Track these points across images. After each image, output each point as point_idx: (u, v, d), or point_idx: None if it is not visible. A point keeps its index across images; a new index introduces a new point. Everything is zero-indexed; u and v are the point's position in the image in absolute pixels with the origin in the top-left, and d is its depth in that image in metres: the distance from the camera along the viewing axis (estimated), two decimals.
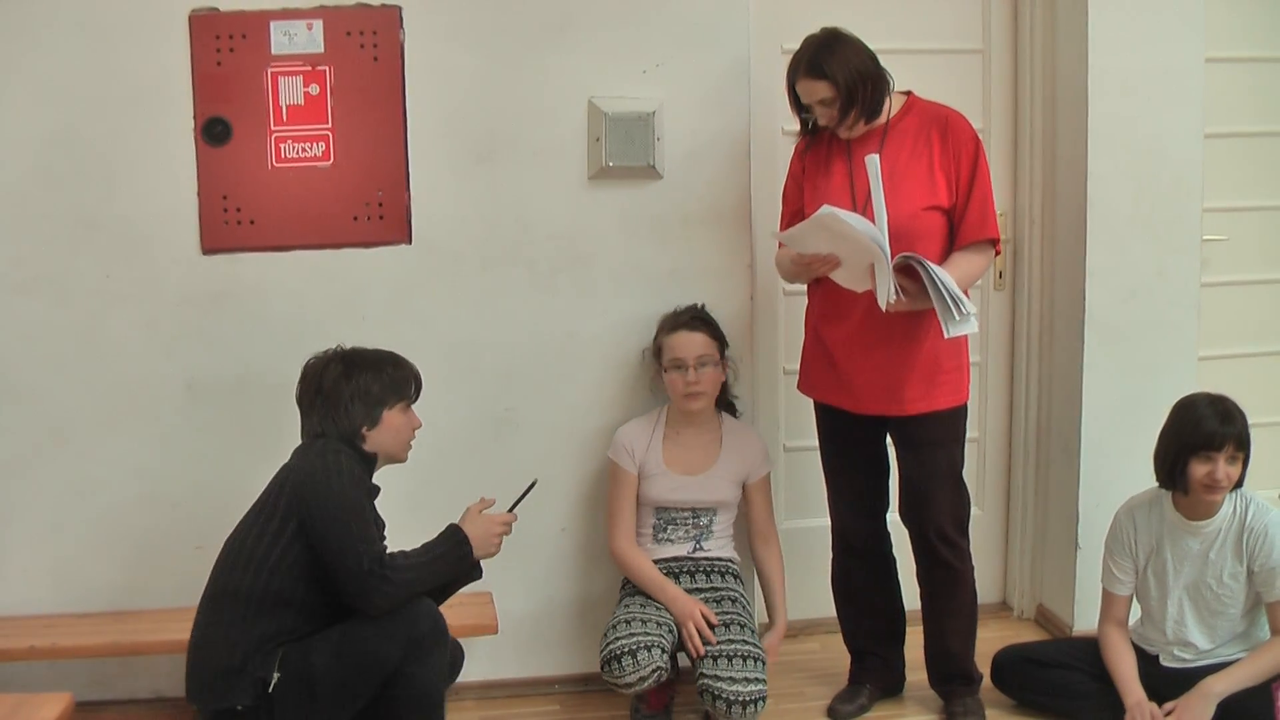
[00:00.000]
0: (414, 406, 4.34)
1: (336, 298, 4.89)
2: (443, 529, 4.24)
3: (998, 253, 4.71)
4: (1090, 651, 4.87)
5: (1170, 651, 4.75)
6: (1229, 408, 4.58)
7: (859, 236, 4.32)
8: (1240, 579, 4.64)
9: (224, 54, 4.72)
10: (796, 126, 5.30)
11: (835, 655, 5.26)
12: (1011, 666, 5.00)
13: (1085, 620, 5.31)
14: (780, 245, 4.75)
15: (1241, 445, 4.55)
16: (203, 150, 4.74)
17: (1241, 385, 5.16)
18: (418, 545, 4.16)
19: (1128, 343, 5.36)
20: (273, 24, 4.74)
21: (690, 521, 4.97)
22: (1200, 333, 5.48)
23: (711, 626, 4.68)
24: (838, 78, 4.51)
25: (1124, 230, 5.30)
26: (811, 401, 4.93)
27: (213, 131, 4.74)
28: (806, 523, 5.55)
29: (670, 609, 4.75)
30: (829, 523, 5.08)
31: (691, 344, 4.87)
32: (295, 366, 4.80)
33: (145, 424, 4.87)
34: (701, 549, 4.98)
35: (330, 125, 4.79)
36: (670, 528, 4.97)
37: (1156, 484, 4.72)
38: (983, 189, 4.61)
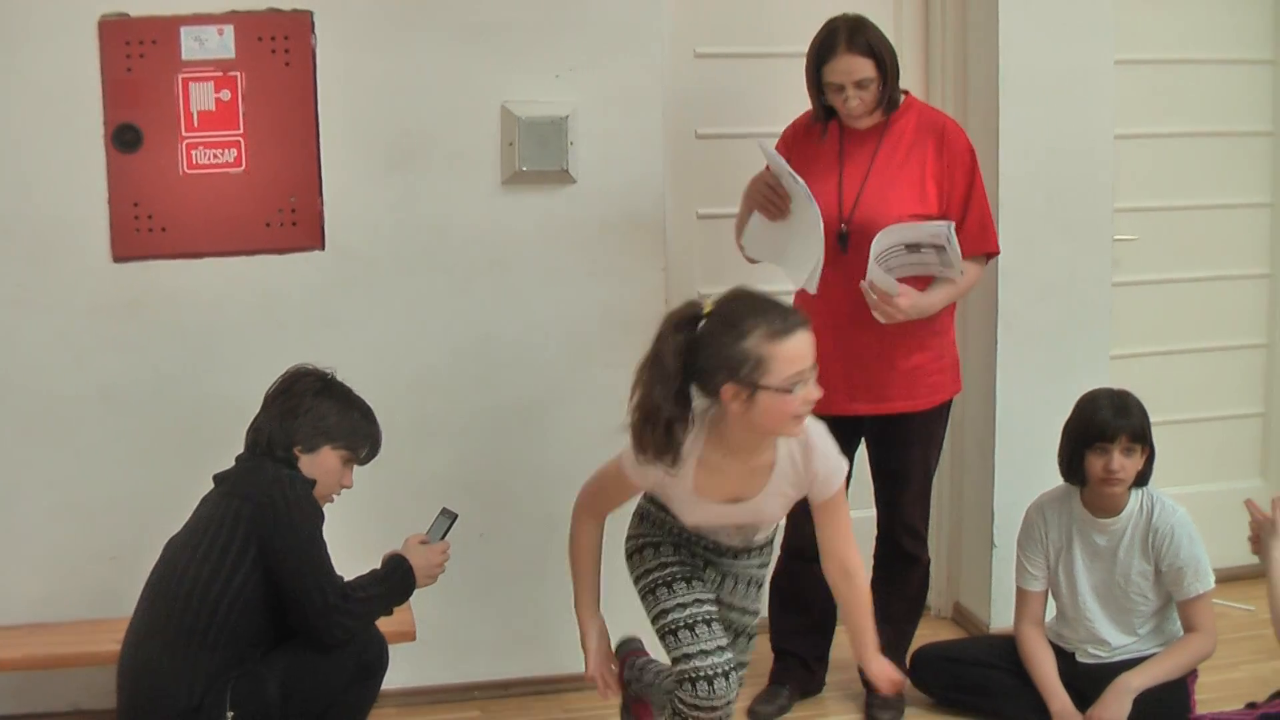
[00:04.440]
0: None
1: (251, 305, 4.86)
2: (387, 559, 4.23)
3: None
4: (1009, 649, 4.89)
5: (1085, 649, 4.79)
6: (1126, 401, 4.64)
7: (794, 187, 4.45)
8: (1149, 577, 4.68)
9: (134, 60, 4.67)
10: (711, 130, 5.35)
11: (756, 656, 5.24)
12: (930, 664, 5.03)
13: (1002, 618, 5.34)
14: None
15: (1137, 438, 4.59)
16: (113, 157, 4.69)
17: (1153, 384, 5.23)
18: (357, 574, 4.15)
19: (1041, 342, 5.41)
20: (183, 29, 4.70)
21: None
22: (1112, 332, 5.54)
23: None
24: (884, 57, 4.53)
25: (1036, 231, 5.35)
26: None
27: (123, 138, 4.69)
28: None
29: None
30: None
31: (811, 350, 3.80)
32: (211, 375, 4.81)
33: (59, 434, 4.81)
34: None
35: (242, 131, 4.76)
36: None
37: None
38: (980, 202, 4.66)
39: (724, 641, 4.06)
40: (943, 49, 5.52)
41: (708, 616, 4.07)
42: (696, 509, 4.06)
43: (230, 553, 3.92)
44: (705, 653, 3.99)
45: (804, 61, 4.68)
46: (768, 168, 4.65)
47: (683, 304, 3.87)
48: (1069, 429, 4.71)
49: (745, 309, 3.74)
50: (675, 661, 4.04)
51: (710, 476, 3.96)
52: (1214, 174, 5.94)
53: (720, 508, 4.04)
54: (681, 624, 4.04)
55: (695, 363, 3.74)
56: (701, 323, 3.76)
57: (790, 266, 4.66)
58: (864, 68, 4.51)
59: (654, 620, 4.13)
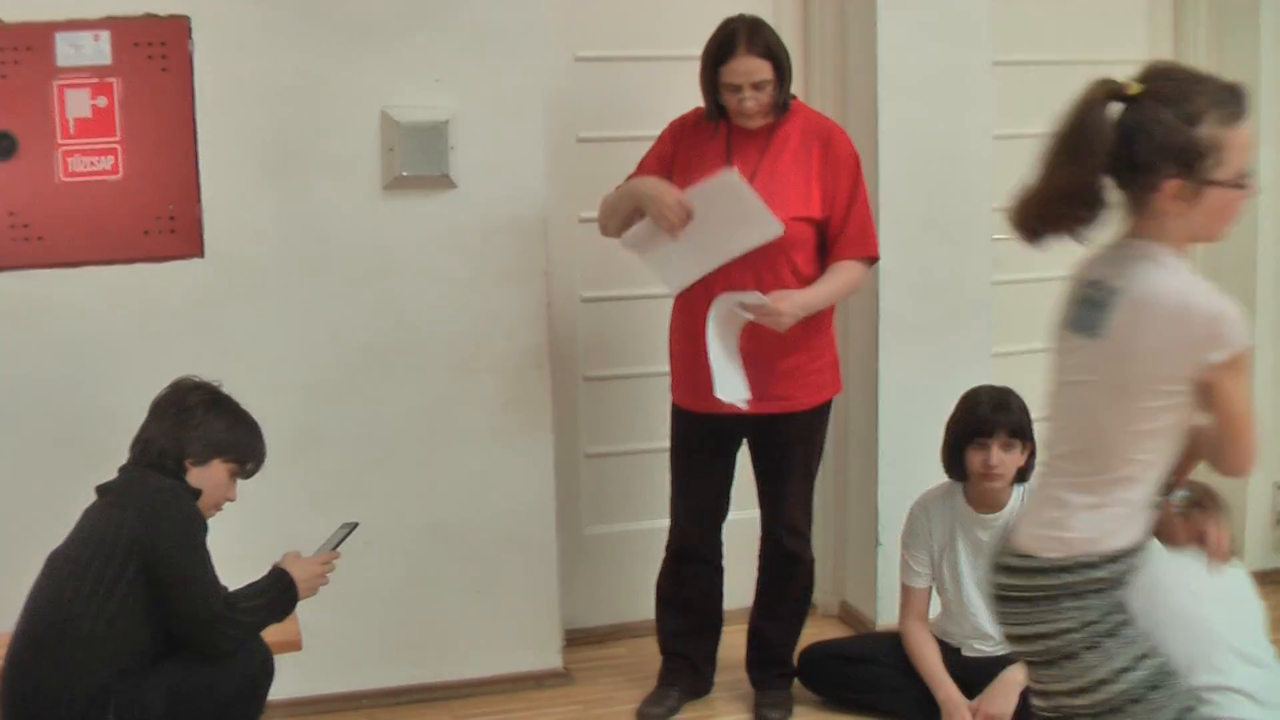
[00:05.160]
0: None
1: (131, 314, 4.80)
2: (268, 572, 4.15)
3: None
4: (896, 646, 4.94)
5: (970, 644, 4.84)
6: (1006, 397, 4.70)
7: (751, 211, 4.47)
8: None
9: (8, 66, 4.61)
10: (592, 134, 5.36)
11: (644, 659, 5.29)
12: (818, 663, 5.06)
13: (888, 616, 5.37)
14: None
15: (1016, 433, 4.65)
16: None
17: (1034, 380, 5.24)
18: (243, 584, 4.08)
19: (923, 341, 5.45)
20: (58, 35, 4.64)
21: None
22: (994, 330, 5.59)
23: None
24: (781, 59, 4.55)
25: (917, 231, 5.39)
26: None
27: None
28: (611, 528, 5.60)
29: None
30: (645, 527, 5.13)
31: None
32: (91, 386, 4.75)
33: None
34: None
35: (119, 138, 4.71)
36: None
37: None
38: (863, 206, 4.70)
39: None
40: (822, 50, 5.56)
41: None
42: None
43: (113, 564, 3.86)
44: None
45: (683, 64, 4.72)
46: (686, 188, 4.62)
47: (1100, 79, 3.03)
48: (950, 425, 4.77)
49: (1191, 85, 2.96)
50: None
51: None
52: None
53: None
54: None
55: (1122, 151, 2.95)
56: (1127, 102, 2.97)
57: (666, 272, 4.68)
58: (762, 69, 4.53)
59: None
